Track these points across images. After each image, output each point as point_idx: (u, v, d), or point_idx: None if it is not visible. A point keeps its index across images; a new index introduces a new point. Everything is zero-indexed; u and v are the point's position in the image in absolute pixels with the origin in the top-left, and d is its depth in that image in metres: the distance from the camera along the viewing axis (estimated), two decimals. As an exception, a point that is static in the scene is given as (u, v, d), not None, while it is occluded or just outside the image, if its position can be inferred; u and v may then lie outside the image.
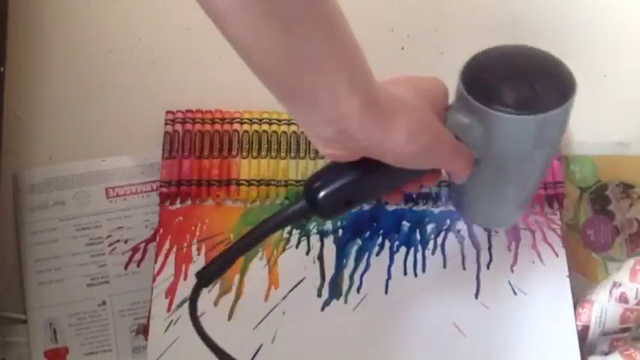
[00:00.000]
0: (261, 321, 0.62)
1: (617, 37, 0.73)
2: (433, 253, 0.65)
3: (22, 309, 0.64)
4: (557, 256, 0.64)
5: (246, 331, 0.62)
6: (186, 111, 0.69)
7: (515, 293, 0.63)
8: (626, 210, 0.67)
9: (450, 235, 0.65)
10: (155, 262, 0.64)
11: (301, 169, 0.67)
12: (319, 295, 0.63)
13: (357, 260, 0.64)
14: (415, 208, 0.67)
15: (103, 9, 0.73)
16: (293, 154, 0.68)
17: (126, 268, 0.65)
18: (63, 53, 0.72)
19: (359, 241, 0.65)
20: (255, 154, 0.68)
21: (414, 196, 0.66)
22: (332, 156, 0.44)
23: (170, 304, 0.63)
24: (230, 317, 0.62)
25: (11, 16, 0.71)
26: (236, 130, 0.68)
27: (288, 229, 0.65)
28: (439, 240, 0.65)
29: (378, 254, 0.65)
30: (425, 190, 0.66)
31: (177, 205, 0.66)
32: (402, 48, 0.72)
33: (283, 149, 0.68)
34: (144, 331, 0.63)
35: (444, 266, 0.64)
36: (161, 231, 0.65)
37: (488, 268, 0.64)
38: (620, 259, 0.65)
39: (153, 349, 0.61)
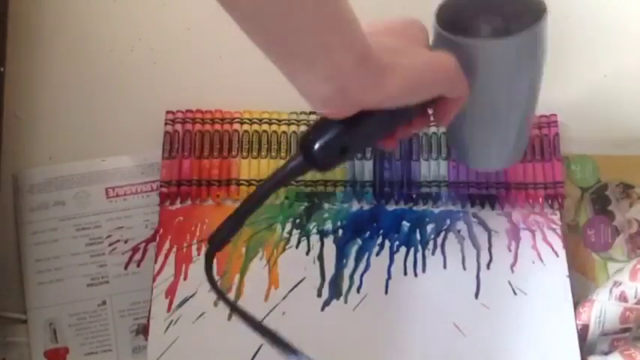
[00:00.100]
0: (261, 321, 0.62)
1: (617, 37, 0.73)
2: (433, 253, 0.65)
3: (22, 309, 0.64)
4: (557, 256, 0.64)
5: (246, 331, 0.62)
6: (186, 111, 0.69)
7: (515, 293, 0.63)
8: (626, 210, 0.67)
9: (450, 235, 0.65)
10: (155, 262, 0.64)
11: (301, 169, 0.67)
12: (319, 295, 0.63)
13: (357, 260, 0.64)
14: (415, 208, 0.67)
15: (103, 9, 0.74)
16: (293, 154, 0.68)
17: (126, 268, 0.65)
18: (63, 53, 0.72)
19: (359, 241, 0.65)
20: (255, 154, 0.68)
21: (414, 196, 0.66)
22: (328, 114, 0.46)
23: (170, 304, 0.63)
24: (230, 317, 0.62)
25: (11, 16, 0.71)
26: (236, 130, 0.68)
27: (288, 228, 0.65)
28: (439, 240, 0.65)
29: (378, 254, 0.65)
30: (425, 190, 0.67)
31: (177, 205, 0.66)
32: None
33: (283, 149, 0.68)
34: (144, 331, 0.63)
35: (444, 266, 0.64)
36: (161, 231, 0.65)
37: (488, 268, 0.64)
38: (620, 259, 0.65)
39: (153, 349, 0.61)
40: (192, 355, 0.62)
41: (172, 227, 0.65)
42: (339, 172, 0.67)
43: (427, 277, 0.64)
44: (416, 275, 0.64)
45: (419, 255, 0.65)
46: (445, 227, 0.66)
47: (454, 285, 0.64)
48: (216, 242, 0.50)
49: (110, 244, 0.66)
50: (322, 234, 0.65)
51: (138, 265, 0.65)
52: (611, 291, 0.61)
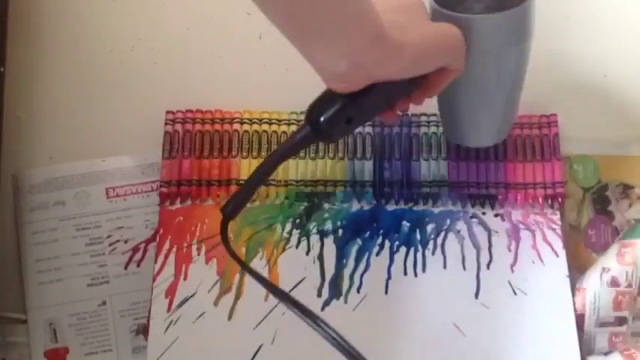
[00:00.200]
0: (261, 321, 0.62)
1: (617, 37, 0.73)
2: (433, 253, 0.65)
3: (22, 309, 0.64)
4: (557, 256, 0.64)
5: (246, 331, 0.62)
6: (187, 111, 0.69)
7: (515, 293, 0.63)
8: (625, 210, 0.67)
9: (450, 235, 0.65)
10: (155, 262, 0.64)
11: (301, 169, 0.67)
12: (319, 295, 0.63)
13: (357, 260, 0.64)
14: (415, 208, 0.67)
15: (103, 9, 0.74)
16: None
17: (126, 268, 0.65)
18: (63, 53, 0.72)
19: (359, 241, 0.65)
20: (255, 154, 0.68)
21: (414, 196, 0.66)
22: (340, 89, 0.49)
23: (170, 304, 0.63)
24: (230, 317, 0.62)
25: (11, 16, 0.71)
26: (236, 130, 0.68)
27: (288, 228, 0.65)
28: (439, 240, 0.65)
29: (378, 254, 0.65)
30: (425, 190, 0.67)
31: (177, 205, 0.66)
32: None
33: (283, 149, 0.68)
34: (144, 331, 0.63)
35: (444, 266, 0.64)
36: (161, 231, 0.65)
37: (488, 268, 0.64)
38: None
39: (153, 349, 0.61)
40: (192, 355, 0.62)
41: (172, 227, 0.65)
42: (339, 172, 0.67)
43: (427, 277, 0.64)
44: (416, 275, 0.64)
45: (419, 255, 0.65)
46: (445, 227, 0.66)
47: (454, 285, 0.63)
48: (229, 212, 0.52)
49: (110, 244, 0.66)
50: (322, 234, 0.65)
51: (138, 265, 0.65)
52: (601, 278, 0.61)
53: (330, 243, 0.65)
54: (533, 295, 0.63)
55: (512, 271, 0.64)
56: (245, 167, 0.67)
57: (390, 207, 0.67)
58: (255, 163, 0.67)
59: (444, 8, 0.54)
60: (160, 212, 0.66)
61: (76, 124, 0.70)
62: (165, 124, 0.68)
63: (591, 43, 0.73)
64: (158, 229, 0.65)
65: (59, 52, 0.72)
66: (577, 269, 0.64)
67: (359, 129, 0.68)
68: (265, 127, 0.68)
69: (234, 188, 0.66)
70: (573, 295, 0.63)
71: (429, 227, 0.66)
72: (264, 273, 0.64)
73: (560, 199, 0.66)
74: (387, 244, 0.65)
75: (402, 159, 0.68)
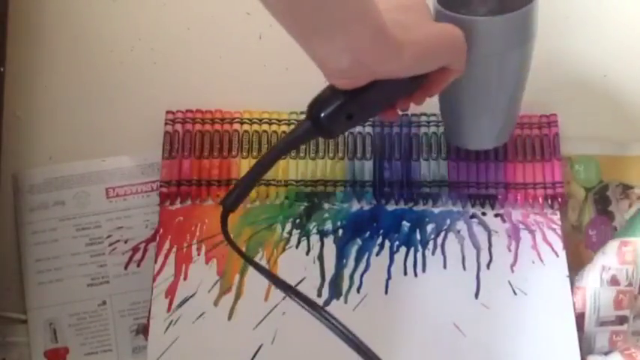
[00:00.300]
0: (261, 321, 0.62)
1: (617, 37, 0.73)
2: (433, 253, 0.65)
3: (22, 309, 0.64)
4: (557, 256, 0.64)
5: (246, 331, 0.62)
6: (187, 111, 0.69)
7: (515, 293, 0.63)
8: (625, 210, 0.67)
9: (450, 235, 0.65)
10: (155, 262, 0.64)
11: (301, 169, 0.67)
12: (319, 295, 0.63)
13: (357, 260, 0.64)
14: (415, 208, 0.67)
15: (103, 9, 0.74)
16: (293, 154, 0.68)
17: (126, 268, 0.65)
18: (63, 53, 0.72)
19: (359, 241, 0.65)
20: (255, 154, 0.68)
21: (414, 196, 0.66)
22: (342, 85, 0.49)
23: (170, 304, 0.63)
24: (230, 317, 0.62)
25: (11, 16, 0.71)
26: (236, 130, 0.68)
27: (288, 228, 0.65)
28: (439, 240, 0.65)
29: (378, 254, 0.65)
30: (425, 190, 0.67)
31: (177, 205, 0.66)
32: None
33: (283, 149, 0.68)
34: (144, 331, 0.63)
35: (444, 266, 0.64)
36: (161, 231, 0.65)
37: (488, 268, 0.64)
38: (618, 259, 0.65)
39: (153, 349, 0.61)
40: (192, 355, 0.62)
41: (172, 227, 0.65)
42: (339, 172, 0.67)
43: (427, 277, 0.64)
44: (416, 275, 0.64)
45: (419, 255, 0.65)
46: (445, 227, 0.66)
47: (454, 285, 0.63)
48: (229, 204, 0.52)
49: (110, 244, 0.66)
50: (322, 234, 0.65)
51: (138, 265, 0.65)
52: (601, 276, 0.61)
53: (330, 243, 0.65)
54: (533, 295, 0.63)
55: (512, 271, 0.64)
56: (245, 167, 0.67)
57: (390, 207, 0.67)
58: (255, 163, 0.67)
59: (447, 10, 0.54)
60: (160, 212, 0.66)
61: (76, 124, 0.70)
62: (165, 124, 0.68)
63: (591, 42, 0.73)
64: (158, 229, 0.65)
65: (59, 52, 0.72)
66: (578, 270, 0.64)
67: (359, 129, 0.68)
68: (265, 127, 0.68)
69: (234, 188, 0.66)
70: (573, 294, 0.63)
71: (429, 227, 0.66)
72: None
73: (560, 199, 0.66)
74: (387, 244, 0.65)
75: (402, 159, 0.68)
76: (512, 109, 0.62)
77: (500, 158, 0.67)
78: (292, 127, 0.68)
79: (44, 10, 0.73)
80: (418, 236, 0.65)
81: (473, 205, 0.67)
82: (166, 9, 0.74)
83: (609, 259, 0.62)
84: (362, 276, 0.64)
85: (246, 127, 0.69)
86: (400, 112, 0.57)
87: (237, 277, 0.64)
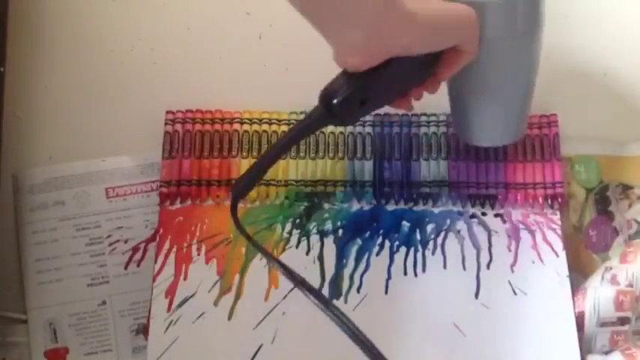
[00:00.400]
0: (261, 321, 0.62)
1: (617, 36, 0.73)
2: (433, 253, 0.65)
3: (22, 309, 0.64)
4: (557, 256, 0.64)
5: (246, 331, 0.62)
6: (187, 111, 0.69)
7: (515, 293, 0.63)
8: (624, 211, 0.67)
9: (450, 235, 0.65)
10: (155, 262, 0.64)
11: (301, 169, 0.67)
12: (319, 295, 0.63)
13: (357, 260, 0.64)
14: (415, 208, 0.67)
15: (103, 9, 0.74)
16: (293, 154, 0.68)
17: (126, 268, 0.65)
18: (63, 53, 0.72)
19: (359, 241, 0.65)
20: (255, 154, 0.68)
21: (414, 196, 0.66)
22: (357, 64, 0.49)
23: (170, 304, 0.63)
24: (230, 317, 0.62)
25: (11, 16, 0.71)
26: (236, 130, 0.68)
27: (288, 228, 0.65)
28: (439, 240, 0.65)
29: (378, 254, 0.65)
30: (425, 190, 0.67)
31: (177, 205, 0.66)
32: None
33: (283, 149, 0.68)
34: (144, 331, 0.63)
35: (444, 266, 0.64)
36: (161, 231, 0.65)
37: (488, 268, 0.64)
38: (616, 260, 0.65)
39: (153, 349, 0.61)
40: (192, 355, 0.62)
41: (172, 227, 0.65)
42: (339, 172, 0.67)
43: (427, 277, 0.64)
44: (416, 275, 0.64)
45: (419, 255, 0.65)
46: (445, 227, 0.66)
47: (454, 285, 0.63)
48: (238, 191, 0.52)
49: (110, 244, 0.66)
50: (322, 234, 0.65)
51: (138, 265, 0.65)
52: (602, 276, 0.61)
53: (330, 243, 0.65)
54: (533, 295, 0.63)
55: (512, 271, 0.64)
56: (245, 167, 0.67)
57: (390, 207, 0.67)
58: (255, 163, 0.67)
59: None
60: (159, 212, 0.66)
61: (76, 124, 0.70)
62: (165, 124, 0.68)
63: (592, 42, 0.73)
64: (158, 229, 0.65)
65: (59, 52, 0.72)
66: (578, 270, 0.64)
67: (359, 129, 0.68)
68: (265, 127, 0.68)
69: (234, 188, 0.66)
70: (573, 294, 0.63)
71: (429, 227, 0.66)
72: (265, 273, 0.64)
73: (560, 199, 0.66)
74: (387, 244, 0.65)
75: (402, 159, 0.68)
76: (522, 104, 0.61)
77: (500, 158, 0.67)
78: (291, 122, 0.68)
79: (44, 10, 0.73)
80: (418, 236, 0.65)
81: (473, 205, 0.66)
82: (166, 9, 0.74)
83: (612, 260, 0.62)
84: (362, 276, 0.64)
85: (246, 127, 0.69)
86: (413, 101, 0.57)
87: (237, 277, 0.64)
